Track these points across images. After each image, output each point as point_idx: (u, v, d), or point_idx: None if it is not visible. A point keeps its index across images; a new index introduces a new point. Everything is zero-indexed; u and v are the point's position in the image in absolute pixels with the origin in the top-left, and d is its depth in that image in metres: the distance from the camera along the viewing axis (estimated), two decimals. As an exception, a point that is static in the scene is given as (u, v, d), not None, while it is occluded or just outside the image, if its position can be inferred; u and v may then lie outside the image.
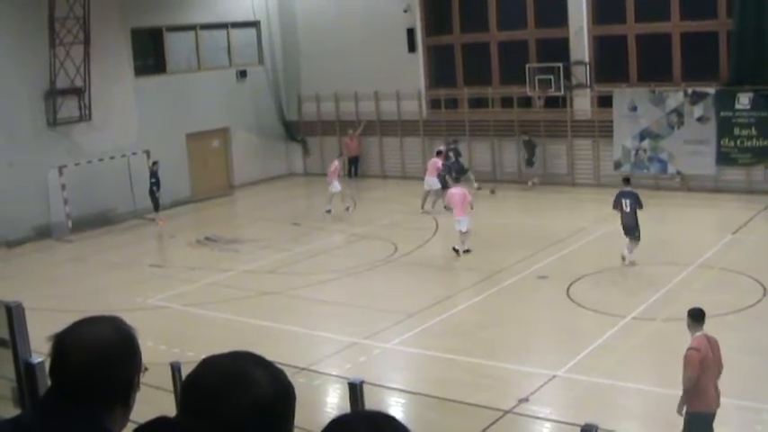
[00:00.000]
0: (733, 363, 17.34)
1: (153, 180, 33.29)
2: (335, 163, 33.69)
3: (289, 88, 42.35)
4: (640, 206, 24.04)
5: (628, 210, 23.94)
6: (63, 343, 3.25)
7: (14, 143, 31.69)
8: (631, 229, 23.87)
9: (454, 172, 32.04)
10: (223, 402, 2.69)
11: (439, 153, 33.54)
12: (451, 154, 34.27)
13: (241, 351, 2.88)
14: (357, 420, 2.62)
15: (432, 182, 32.41)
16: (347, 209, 32.95)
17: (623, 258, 23.94)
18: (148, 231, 33.32)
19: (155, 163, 33.61)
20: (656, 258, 24.35)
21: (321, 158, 41.80)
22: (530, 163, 34.83)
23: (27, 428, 3.22)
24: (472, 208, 26.30)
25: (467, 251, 25.91)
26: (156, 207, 33.74)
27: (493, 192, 33.66)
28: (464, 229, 25.94)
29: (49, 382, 3.30)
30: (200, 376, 2.78)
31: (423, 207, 32.09)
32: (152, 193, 33.37)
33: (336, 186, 32.78)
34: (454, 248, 26.01)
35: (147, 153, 34.87)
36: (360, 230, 30.32)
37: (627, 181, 25.24)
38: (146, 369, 3.39)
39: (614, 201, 24.39)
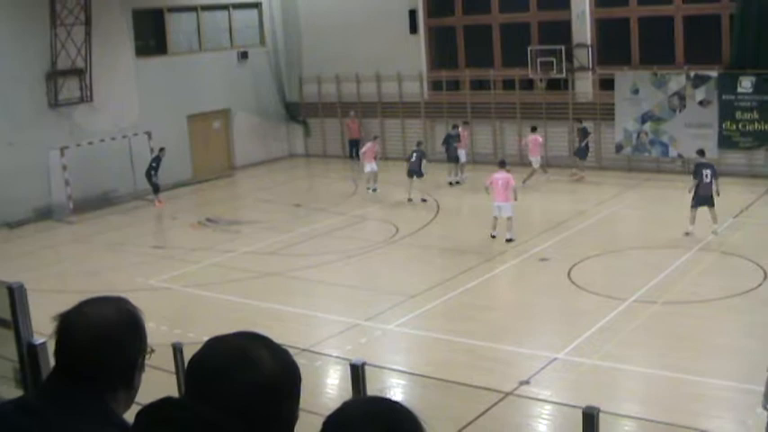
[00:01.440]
0: (734, 346, 17.42)
1: (154, 165, 33.15)
2: (369, 144, 33.62)
3: (290, 70, 42.31)
4: (716, 177, 24.77)
5: (708, 180, 24.49)
6: (68, 323, 3.25)
7: (16, 124, 31.67)
8: (709, 198, 24.40)
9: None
10: (228, 383, 2.68)
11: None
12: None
13: (246, 331, 2.88)
14: (360, 415, 2.60)
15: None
16: (374, 190, 32.92)
17: (714, 232, 24.48)
18: (149, 212, 33.31)
19: (161, 149, 33.49)
20: (657, 241, 24.37)
21: (322, 140, 41.86)
22: (581, 153, 33.84)
23: (31, 409, 3.22)
24: (516, 198, 25.71)
25: (509, 240, 25.18)
26: (155, 190, 33.66)
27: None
28: (506, 216, 25.29)
29: (52, 363, 3.30)
30: (205, 357, 2.78)
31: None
32: (149, 177, 33.26)
33: (372, 167, 32.80)
34: (492, 235, 25.53)
35: (149, 134, 34.86)
36: (361, 212, 30.32)
37: (702, 153, 25.96)
38: (152, 351, 3.40)
39: (694, 172, 25.06)
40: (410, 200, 31.22)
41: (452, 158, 33.87)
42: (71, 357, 3.20)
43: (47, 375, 3.37)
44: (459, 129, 34.63)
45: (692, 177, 25.14)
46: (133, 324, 3.29)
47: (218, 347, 2.80)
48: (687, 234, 24.25)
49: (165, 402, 2.71)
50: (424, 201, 30.99)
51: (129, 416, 3.26)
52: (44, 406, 3.19)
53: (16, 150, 31.49)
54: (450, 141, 33.90)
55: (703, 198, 24.48)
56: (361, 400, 2.68)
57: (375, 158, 33.04)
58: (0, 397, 9.82)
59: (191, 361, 2.78)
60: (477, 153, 36.14)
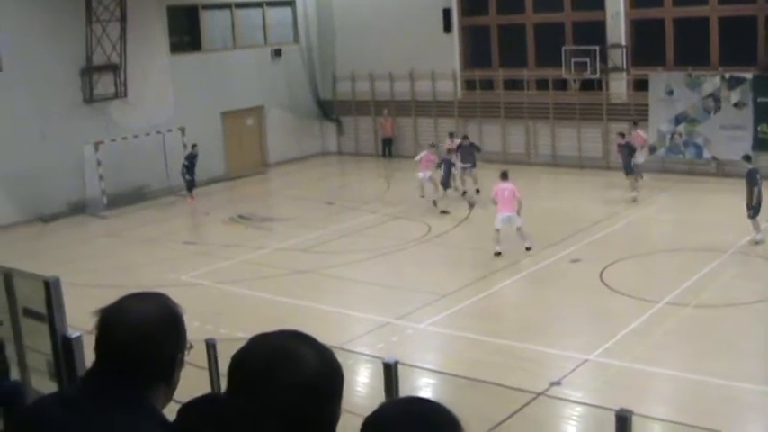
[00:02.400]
0: (767, 351, 17.34)
1: (186, 163, 33.11)
2: (424, 153, 31.84)
3: (323, 67, 42.39)
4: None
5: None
6: (108, 318, 3.27)
7: (51, 119, 31.94)
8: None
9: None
10: (271, 381, 2.68)
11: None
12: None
13: (290, 330, 2.87)
14: (399, 415, 2.60)
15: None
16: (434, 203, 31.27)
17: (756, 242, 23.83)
18: (182, 208, 33.44)
19: (194, 146, 33.54)
20: (690, 244, 24.23)
21: (355, 138, 41.88)
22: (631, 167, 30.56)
23: (72, 403, 3.25)
24: (520, 207, 24.78)
25: (529, 248, 24.42)
26: (189, 187, 33.62)
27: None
28: (516, 226, 24.54)
29: (87, 357, 3.32)
30: (248, 354, 2.78)
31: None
32: (183, 173, 33.36)
33: (426, 175, 31.18)
34: (497, 252, 24.47)
35: (182, 130, 35.02)
36: (393, 211, 30.31)
37: (749, 158, 25.07)
38: (191, 346, 3.41)
39: (751, 178, 23.97)
40: (465, 192, 31.43)
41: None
42: (112, 352, 3.22)
43: (87, 369, 3.39)
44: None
45: (747, 184, 24.01)
46: (174, 320, 3.30)
47: (262, 345, 2.79)
48: (757, 243, 23.58)
49: (208, 399, 2.73)
50: (477, 191, 31.05)
51: (167, 412, 3.30)
52: (84, 400, 3.21)
53: (51, 145, 31.74)
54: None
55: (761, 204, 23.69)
56: (400, 400, 2.67)
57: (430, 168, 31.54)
58: (35, 389, 9.94)
59: (234, 358, 2.78)
60: (510, 153, 36.06)
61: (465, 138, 32.71)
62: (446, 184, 29.94)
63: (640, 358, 16.86)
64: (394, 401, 2.69)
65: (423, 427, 2.50)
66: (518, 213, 24.51)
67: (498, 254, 24.30)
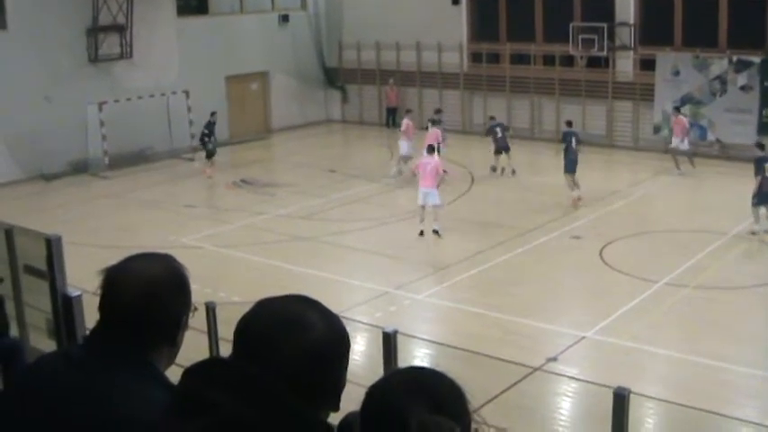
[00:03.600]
0: (764, 335, 17.39)
1: (206, 131, 32.20)
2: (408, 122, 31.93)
3: (330, 35, 42.27)
4: None
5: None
6: (114, 278, 3.26)
7: (56, 79, 31.86)
8: None
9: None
10: (278, 346, 2.67)
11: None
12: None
13: (298, 294, 2.86)
14: (404, 385, 2.59)
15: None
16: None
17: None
18: (185, 171, 33.40)
19: (213, 113, 32.64)
20: (690, 225, 24.25)
21: (360, 106, 41.82)
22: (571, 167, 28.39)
23: (76, 362, 3.25)
24: (439, 185, 24.13)
25: (436, 232, 23.71)
26: (208, 155, 32.27)
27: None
28: (432, 203, 23.73)
29: (87, 316, 3.32)
30: (255, 319, 2.76)
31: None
32: (202, 142, 32.34)
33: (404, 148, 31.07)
34: (420, 231, 23.96)
35: (187, 93, 34.99)
36: (396, 180, 30.27)
37: (762, 146, 24.45)
38: (195, 309, 3.41)
39: (756, 167, 23.72)
40: (501, 170, 30.95)
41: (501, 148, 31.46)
42: (117, 313, 3.22)
43: (91, 329, 3.39)
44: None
45: (754, 173, 23.72)
46: (180, 282, 3.30)
47: (269, 310, 2.78)
48: (754, 234, 23.27)
49: (213, 362, 2.72)
50: (513, 173, 30.87)
51: (168, 374, 3.30)
52: (88, 360, 3.21)
53: (55, 104, 31.69)
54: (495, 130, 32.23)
55: (766, 195, 23.27)
56: (405, 369, 2.65)
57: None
58: (34, 347, 9.96)
59: (240, 322, 2.76)
60: (516, 128, 35.91)
61: (492, 118, 32.76)
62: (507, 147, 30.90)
63: (637, 337, 16.89)
64: (398, 371, 2.67)
65: (428, 397, 2.49)
66: (438, 186, 23.96)
67: (421, 233, 23.88)
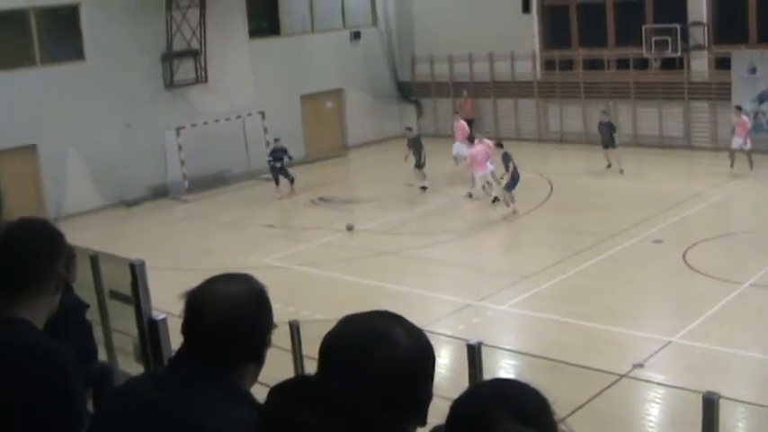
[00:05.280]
0: None
1: (269, 158, 32.40)
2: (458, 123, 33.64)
3: (402, 49, 42.36)
4: None
5: None
6: (197, 300, 3.30)
7: (134, 106, 32.37)
8: None
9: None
10: (365, 363, 2.68)
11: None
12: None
13: (382, 310, 2.86)
14: (489, 397, 2.58)
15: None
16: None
17: None
18: (263, 192, 33.58)
19: (276, 140, 32.86)
20: (774, 224, 23.93)
21: (434, 119, 41.79)
22: (511, 185, 27.76)
23: (162, 384, 3.29)
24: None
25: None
26: (276, 181, 32.35)
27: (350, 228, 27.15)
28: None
29: (173, 339, 3.35)
30: (340, 336, 2.77)
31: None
32: (272, 169, 32.35)
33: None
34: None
35: (262, 114, 35.26)
36: (474, 191, 30.19)
37: None
38: (276, 327, 3.43)
39: None
40: (609, 166, 31.67)
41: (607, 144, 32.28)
42: (201, 334, 3.25)
43: (176, 351, 3.43)
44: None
45: None
46: (262, 300, 3.34)
47: (353, 327, 2.79)
48: None
49: (300, 380, 2.73)
50: (621, 172, 31.01)
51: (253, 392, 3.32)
52: (174, 381, 3.26)
53: (134, 131, 32.20)
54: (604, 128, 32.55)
55: None
56: (490, 382, 2.65)
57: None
58: (122, 371, 10.08)
59: (325, 339, 2.78)
60: (591, 134, 35.69)
61: (604, 112, 33.00)
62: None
63: (725, 340, 16.68)
64: (484, 383, 2.67)
65: (514, 408, 2.48)
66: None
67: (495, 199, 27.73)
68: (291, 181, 32.15)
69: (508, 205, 26.62)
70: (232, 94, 35.32)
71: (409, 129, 32.56)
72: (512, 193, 26.57)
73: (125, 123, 32.06)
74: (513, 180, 26.59)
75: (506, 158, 26.95)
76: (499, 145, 27.71)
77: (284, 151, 32.19)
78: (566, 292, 20.21)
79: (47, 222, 4.22)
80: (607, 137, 31.35)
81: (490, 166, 28.20)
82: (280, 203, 31.73)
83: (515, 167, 26.68)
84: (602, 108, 33.60)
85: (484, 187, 28.44)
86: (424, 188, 31.07)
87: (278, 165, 31.80)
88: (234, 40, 35.91)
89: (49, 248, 3.97)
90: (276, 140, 32.74)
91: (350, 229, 26.42)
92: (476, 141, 29.06)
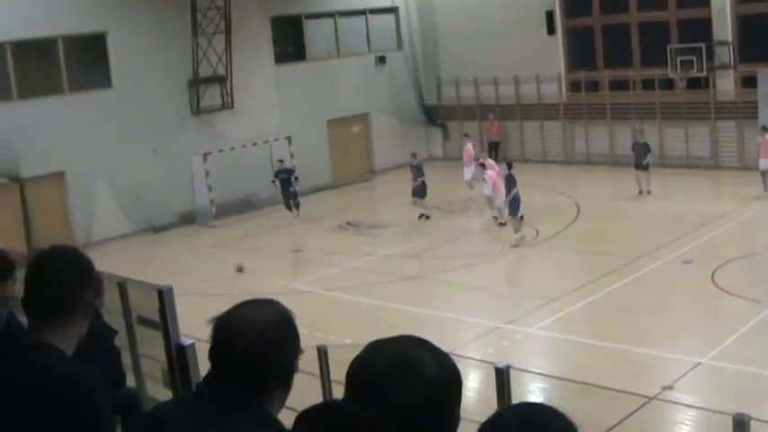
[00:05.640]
0: None
1: (273, 180, 32.65)
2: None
3: (427, 73, 42.44)
4: None
5: None
6: (224, 327, 3.31)
7: (160, 132, 32.58)
8: None
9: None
10: (391, 387, 2.69)
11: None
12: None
13: (408, 335, 2.88)
14: (516, 421, 2.58)
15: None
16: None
17: None
18: (291, 216, 33.62)
19: (280, 161, 33.08)
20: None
21: (461, 143, 41.73)
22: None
23: (190, 409, 3.30)
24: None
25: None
26: (288, 207, 32.50)
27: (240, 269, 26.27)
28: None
29: (201, 364, 3.36)
30: (367, 360, 2.79)
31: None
32: (284, 195, 32.53)
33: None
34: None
35: (289, 139, 35.39)
36: (499, 215, 30.14)
37: None
38: (303, 352, 3.44)
39: None
40: (640, 192, 31.25)
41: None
42: (229, 360, 3.26)
43: (204, 377, 3.44)
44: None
45: None
46: (289, 326, 3.34)
47: (381, 351, 2.81)
48: None
49: (328, 406, 2.74)
50: (648, 193, 30.95)
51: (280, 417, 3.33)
52: (203, 407, 3.26)
53: (161, 157, 32.35)
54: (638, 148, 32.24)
55: None
56: (517, 406, 2.65)
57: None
58: (151, 397, 10.09)
59: (352, 364, 2.79)
60: (617, 155, 35.64)
61: (641, 132, 32.79)
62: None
63: (754, 361, 16.57)
64: (511, 407, 2.67)
65: None
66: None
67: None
68: (297, 206, 32.27)
69: (516, 232, 26.49)
70: (258, 120, 35.46)
71: (414, 155, 32.39)
72: (517, 218, 26.45)
73: (152, 149, 32.20)
74: (516, 203, 26.48)
75: (510, 181, 26.87)
76: (509, 165, 27.63)
77: (289, 172, 32.38)
78: (594, 314, 20.15)
79: (77, 250, 4.26)
80: (641, 157, 31.05)
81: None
82: (308, 227, 31.67)
83: (517, 192, 26.57)
84: (637, 127, 33.39)
85: (495, 217, 28.50)
86: (423, 216, 30.88)
87: (290, 189, 31.86)
88: (260, 65, 36.09)
89: (79, 276, 4.02)
90: (280, 161, 32.95)
91: (240, 270, 25.91)
92: (487, 165, 29.29)
